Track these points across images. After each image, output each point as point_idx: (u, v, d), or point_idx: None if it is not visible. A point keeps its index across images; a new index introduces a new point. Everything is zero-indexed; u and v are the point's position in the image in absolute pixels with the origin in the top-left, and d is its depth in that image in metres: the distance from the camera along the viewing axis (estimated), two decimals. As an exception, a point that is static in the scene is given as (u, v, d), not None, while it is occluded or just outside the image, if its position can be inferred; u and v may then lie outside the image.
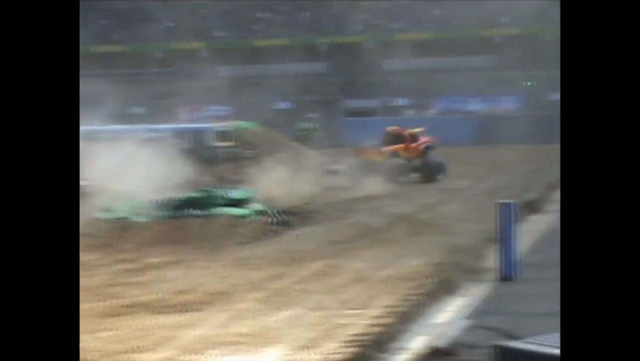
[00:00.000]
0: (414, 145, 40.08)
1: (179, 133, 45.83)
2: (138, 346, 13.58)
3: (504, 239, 18.00)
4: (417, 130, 41.42)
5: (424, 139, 40.70)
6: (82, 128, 14.42)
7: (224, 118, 62.54)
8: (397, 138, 40.34)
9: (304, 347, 13.23)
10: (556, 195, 32.49)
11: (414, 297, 16.13)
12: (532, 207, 28.61)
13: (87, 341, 13.31)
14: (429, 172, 39.25)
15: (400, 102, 74.12)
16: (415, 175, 39.12)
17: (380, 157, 38.65)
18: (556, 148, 38.64)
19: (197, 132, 46.34)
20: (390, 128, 41.81)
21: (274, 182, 39.29)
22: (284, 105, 75.27)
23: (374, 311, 15.24)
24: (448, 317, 15.34)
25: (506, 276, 17.91)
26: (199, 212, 25.82)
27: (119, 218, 25.86)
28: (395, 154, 39.09)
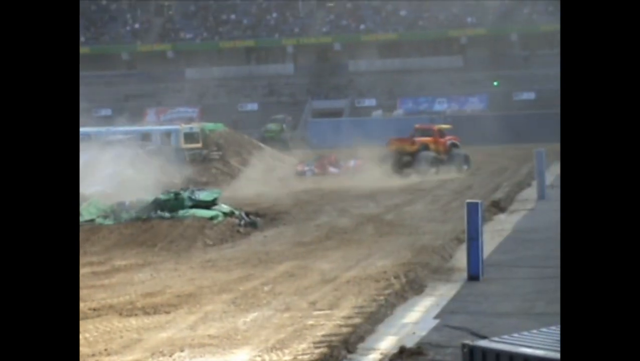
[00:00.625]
0: (442, 140, 43.40)
1: (146, 135, 45.69)
2: (106, 349, 13.55)
3: (472, 239, 18.09)
4: (444, 126, 45.49)
5: (449, 136, 44.06)
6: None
7: (191, 120, 62.41)
8: (426, 132, 43.97)
9: (273, 348, 13.23)
10: (521, 195, 32.74)
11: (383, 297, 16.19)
12: (498, 207, 28.79)
13: (55, 345, 13.24)
14: (457, 164, 42.51)
15: (367, 102, 74.29)
16: (443, 167, 41.81)
17: (413, 148, 42.08)
18: (521, 148, 38.88)
19: (164, 134, 46.21)
20: (419, 125, 46.19)
21: (242, 183, 39.27)
22: (250, 106, 75.21)
23: (342, 312, 15.28)
24: (417, 317, 15.40)
25: (473, 275, 17.99)
26: (166, 214, 25.74)
27: (86, 221, 25.74)
28: (425, 147, 42.35)
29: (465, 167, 43.05)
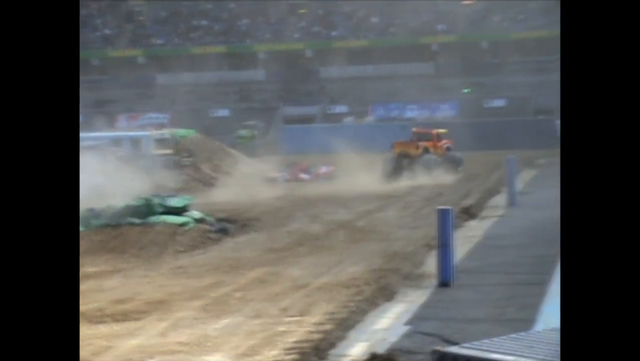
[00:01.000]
0: (439, 143, 46.71)
1: (117, 141, 45.52)
2: (75, 357, 13.46)
3: (443, 245, 18.13)
4: (441, 130, 48.44)
5: (445, 140, 47.39)
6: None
7: (162, 126, 62.25)
8: (425, 136, 47.12)
9: (244, 355, 13.20)
10: (491, 202, 32.88)
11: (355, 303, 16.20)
12: (469, 213, 28.89)
13: (24, 352, 13.15)
14: (453, 165, 45.45)
15: (339, 109, 74.40)
16: (440, 169, 44.28)
17: (417, 152, 45.16)
18: (491, 154, 39.00)
19: (135, 140, 46.05)
20: (417, 129, 49.34)
21: (213, 189, 39.19)
22: (222, 112, 75.13)
23: (313, 319, 15.27)
24: (388, 323, 15.41)
25: (444, 282, 18.03)
26: (137, 221, 25.63)
27: (56, 227, 25.56)
28: (427, 150, 45.59)
29: (460, 168, 45.75)
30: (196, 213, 27.03)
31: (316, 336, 14.04)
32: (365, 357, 13.03)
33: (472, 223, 27.48)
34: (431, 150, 45.70)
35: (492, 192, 35.47)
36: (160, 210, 26.21)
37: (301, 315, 15.62)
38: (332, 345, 13.80)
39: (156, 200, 26.65)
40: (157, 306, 16.83)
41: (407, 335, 14.38)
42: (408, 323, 15.23)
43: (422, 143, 45.79)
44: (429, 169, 43.50)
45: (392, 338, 14.19)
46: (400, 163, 44.23)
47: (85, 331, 15.09)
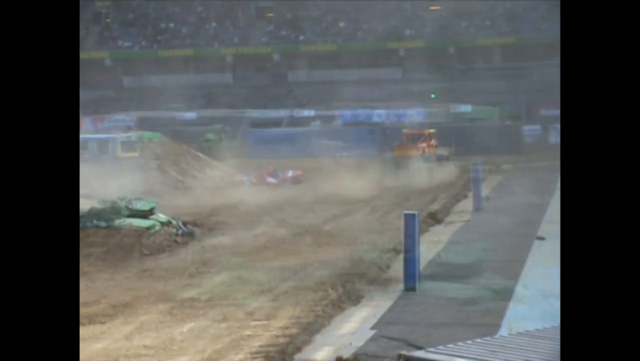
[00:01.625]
0: (431, 143, 50.70)
1: (83, 144, 45.18)
2: (40, 360, 13.37)
3: (408, 250, 18.18)
4: (431, 131, 52.12)
5: (432, 140, 51.35)
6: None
7: (129, 128, 61.95)
8: (419, 137, 50.80)
9: (210, 359, 13.18)
10: (457, 207, 32.99)
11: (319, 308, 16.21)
12: (435, 218, 28.97)
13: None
14: (442, 160, 49.31)
15: (306, 113, 74.38)
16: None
17: (418, 152, 48.59)
18: (458, 159, 38.81)
19: (101, 143, 45.79)
20: (408, 130, 52.88)
21: (180, 192, 39.03)
22: (189, 115, 74.88)
23: (279, 323, 15.27)
24: (354, 327, 15.44)
25: (410, 286, 18.07)
26: (102, 224, 25.49)
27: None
28: (423, 150, 49.28)
29: (447, 163, 49.57)
30: (162, 217, 26.91)
31: (282, 340, 14.05)
32: (330, 361, 13.06)
33: (438, 228, 27.57)
34: (425, 149, 49.48)
35: (458, 197, 35.58)
36: (126, 213, 26.09)
37: (267, 319, 15.63)
38: (298, 349, 13.81)
39: (122, 203, 26.51)
40: (123, 309, 16.77)
41: (372, 339, 14.42)
42: (374, 327, 15.28)
43: (420, 145, 49.54)
44: (429, 165, 46.56)
45: (358, 342, 14.22)
46: (399, 164, 46.80)
47: (50, 334, 14.98)
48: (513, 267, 20.06)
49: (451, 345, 9.07)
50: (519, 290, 17.77)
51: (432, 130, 52.67)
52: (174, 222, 26.80)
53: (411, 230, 18.24)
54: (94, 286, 19.27)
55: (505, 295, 17.24)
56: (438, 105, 71.39)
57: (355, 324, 15.62)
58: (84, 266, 21.93)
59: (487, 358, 8.57)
